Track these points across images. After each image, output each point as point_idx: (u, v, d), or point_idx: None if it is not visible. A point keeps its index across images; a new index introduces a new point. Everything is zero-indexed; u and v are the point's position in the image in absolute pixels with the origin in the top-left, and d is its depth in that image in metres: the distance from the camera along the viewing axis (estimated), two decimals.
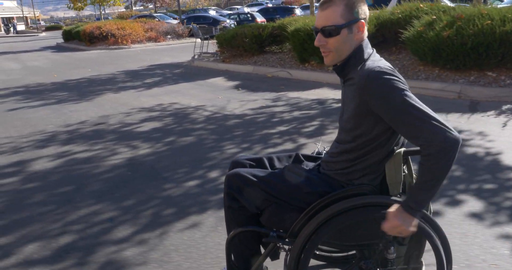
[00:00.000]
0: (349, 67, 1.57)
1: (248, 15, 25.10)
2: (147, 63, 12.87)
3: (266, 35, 9.90)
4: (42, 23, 69.51)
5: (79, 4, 23.80)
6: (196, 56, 12.36)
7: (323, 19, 1.54)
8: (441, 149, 1.35)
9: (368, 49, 1.59)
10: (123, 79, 9.84)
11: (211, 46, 13.40)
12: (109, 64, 13.20)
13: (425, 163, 1.39)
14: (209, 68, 10.77)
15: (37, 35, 43.54)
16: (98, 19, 65.81)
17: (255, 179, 1.69)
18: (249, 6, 45.82)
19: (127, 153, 4.34)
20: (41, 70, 12.70)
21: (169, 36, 21.47)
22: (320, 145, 2.19)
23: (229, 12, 32.42)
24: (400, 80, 1.45)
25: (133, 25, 20.93)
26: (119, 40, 19.68)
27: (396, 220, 1.43)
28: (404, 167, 1.63)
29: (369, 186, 1.59)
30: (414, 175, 1.65)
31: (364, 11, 1.57)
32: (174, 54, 15.05)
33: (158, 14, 29.31)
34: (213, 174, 3.63)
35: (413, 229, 1.44)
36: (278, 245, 1.71)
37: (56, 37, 35.02)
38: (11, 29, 42.97)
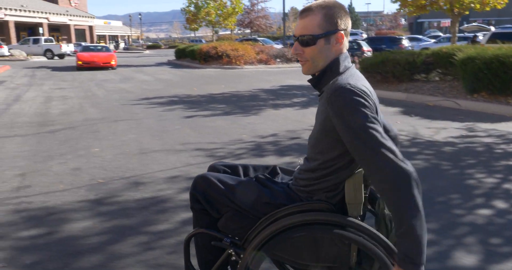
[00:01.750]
0: (325, 80, 1.52)
1: (354, 43, 24.91)
2: (275, 83, 12.98)
3: (420, 62, 9.50)
4: (141, 41, 74.84)
5: (195, 25, 25.08)
6: None
7: (301, 27, 1.51)
8: (393, 186, 1.28)
9: (346, 63, 1.52)
10: (268, 97, 9.91)
11: None
12: (236, 82, 13.51)
13: (386, 203, 1.32)
14: None
15: (142, 52, 46.86)
16: (193, 41, 69.38)
17: (219, 184, 1.68)
18: None
19: None
20: (175, 83, 13.31)
21: (278, 60, 21.85)
22: (301, 160, 2.19)
23: None
24: (368, 102, 1.36)
25: (245, 47, 21.60)
26: (233, 60, 20.34)
27: None
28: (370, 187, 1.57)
29: (327, 203, 1.52)
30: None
31: (345, 22, 1.51)
32: (294, 76, 15.11)
33: (261, 38, 30.09)
34: (486, 201, 3.25)
35: None
36: (230, 251, 1.65)
37: (160, 55, 37.40)
38: (120, 45, 46.46)
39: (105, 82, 13.59)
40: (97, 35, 57.19)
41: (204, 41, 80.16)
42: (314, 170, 1.54)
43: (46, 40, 32.60)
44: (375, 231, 1.45)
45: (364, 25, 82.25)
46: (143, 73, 17.61)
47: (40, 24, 41.69)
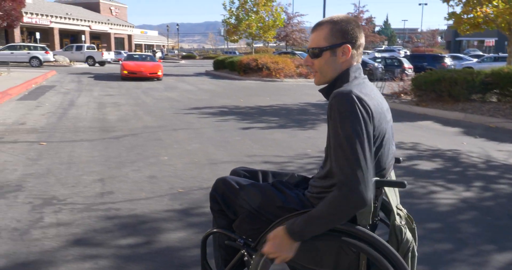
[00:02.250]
0: (334, 89, 1.51)
1: (395, 60, 24.58)
2: (319, 98, 12.82)
3: (478, 81, 9.21)
4: (176, 52, 76.35)
5: (235, 37, 25.35)
6: None
7: (311, 40, 1.60)
8: (346, 199, 1.35)
9: (356, 74, 1.57)
10: (318, 111, 9.81)
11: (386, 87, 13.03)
12: (281, 95, 13.47)
13: (328, 198, 1.40)
14: (400, 110, 10.32)
15: (178, 62, 47.73)
16: (227, 52, 70.09)
17: (237, 186, 1.76)
18: (379, 51, 45.39)
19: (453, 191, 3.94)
20: (219, 93, 13.39)
21: None
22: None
23: (376, 55, 32.17)
24: (362, 113, 1.39)
25: (285, 60, 21.62)
26: (273, 73, 20.37)
27: (272, 242, 1.49)
28: (382, 197, 1.61)
29: None
30: (395, 208, 1.59)
31: (353, 35, 1.56)
32: None
33: (299, 52, 30.14)
34: None
35: (288, 255, 1.48)
36: (243, 252, 1.71)
37: (196, 65, 37.97)
38: (157, 54, 47.55)
39: (150, 90, 13.81)
40: (134, 44, 58.71)
41: (237, 53, 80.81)
42: (325, 178, 1.58)
43: (88, 47, 33.65)
44: (382, 241, 1.45)
45: (399, 41, 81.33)
46: (185, 82, 17.84)
47: (83, 32, 43.18)
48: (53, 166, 4.51)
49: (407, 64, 24.17)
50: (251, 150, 5.52)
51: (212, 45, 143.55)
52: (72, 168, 4.44)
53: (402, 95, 12.22)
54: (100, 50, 38.79)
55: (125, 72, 18.00)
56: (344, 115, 1.38)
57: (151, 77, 18.31)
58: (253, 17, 23.84)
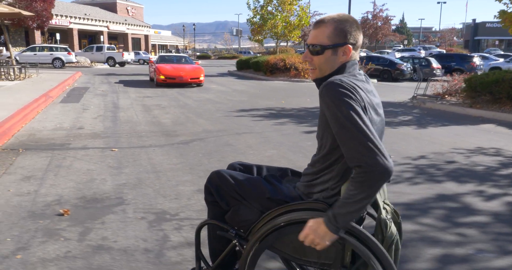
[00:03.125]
0: None
1: (423, 60, 24.13)
2: None
3: None
4: (189, 52, 76.37)
5: (259, 37, 25.05)
6: (415, 96, 11.77)
7: (313, 37, 1.61)
8: (371, 176, 1.36)
9: (351, 69, 1.59)
10: None
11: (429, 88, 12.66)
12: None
13: (353, 180, 1.41)
14: (452, 112, 9.97)
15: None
16: (240, 52, 69.77)
17: (230, 179, 1.81)
18: (399, 51, 44.80)
19: None
20: (255, 94, 13.12)
21: None
22: None
23: (396, 54, 31.70)
24: (354, 96, 1.44)
25: None
26: (301, 73, 20.07)
27: (310, 231, 1.49)
28: None
29: (324, 204, 1.57)
30: (382, 203, 1.63)
31: (355, 37, 1.59)
32: (385, 93, 14.54)
33: None
34: None
35: (327, 243, 1.48)
36: (234, 242, 1.78)
37: (214, 65, 37.74)
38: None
39: (185, 92, 13.60)
40: (151, 44, 58.75)
41: (252, 53, 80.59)
42: (315, 164, 1.63)
43: (108, 48, 33.62)
44: (368, 234, 1.50)
45: (415, 41, 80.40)
46: (214, 83, 17.60)
47: (101, 33, 43.24)
48: (141, 175, 4.28)
49: (435, 64, 23.73)
50: None
51: (223, 44, 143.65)
52: (162, 178, 4.21)
53: (446, 96, 11.86)
54: (118, 50, 38.82)
55: (162, 77, 14.89)
56: (337, 99, 1.42)
57: (192, 83, 15.43)
58: (279, 17, 23.50)
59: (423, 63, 24.06)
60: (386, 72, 22.51)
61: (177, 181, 4.10)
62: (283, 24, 23.94)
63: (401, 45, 55.58)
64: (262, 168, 2.01)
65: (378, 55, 27.04)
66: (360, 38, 1.62)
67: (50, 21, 19.12)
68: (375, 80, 21.24)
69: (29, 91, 11.26)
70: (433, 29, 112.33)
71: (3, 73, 14.76)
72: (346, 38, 1.56)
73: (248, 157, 5.13)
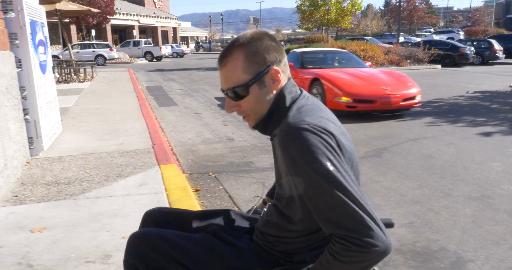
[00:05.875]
0: (273, 121, 1.23)
1: (484, 42, 22.81)
2: (456, 88, 11.52)
3: None
4: (213, 43, 75.40)
5: (309, 25, 24.02)
6: None
7: (226, 79, 1.22)
8: (363, 253, 1.00)
9: (293, 94, 1.24)
10: (495, 101, 8.52)
11: None
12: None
13: (336, 258, 1.03)
14: None
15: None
16: None
17: (165, 245, 1.28)
18: (437, 33, 43.15)
19: None
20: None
21: (408, 61, 20.29)
22: (258, 202, 1.66)
23: (434, 37, 30.22)
24: (330, 142, 1.09)
25: (372, 47, 20.26)
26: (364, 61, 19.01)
27: None
28: None
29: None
30: None
31: (275, 53, 1.21)
32: (470, 80, 13.54)
33: (368, 37, 28.61)
34: None
35: None
36: None
37: None
38: (205, 46, 46.74)
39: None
40: (180, 36, 57.94)
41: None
42: (289, 228, 1.25)
43: (145, 43, 32.94)
44: None
45: (441, 22, 77.82)
46: None
47: (132, 27, 42.65)
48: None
49: (497, 46, 22.47)
50: None
51: (237, 34, 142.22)
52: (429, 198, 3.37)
53: None
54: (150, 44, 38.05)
55: (345, 100, 7.17)
56: (308, 154, 1.06)
57: (402, 108, 7.60)
58: (332, 3, 22.40)
59: (482, 46, 22.80)
60: (448, 56, 21.29)
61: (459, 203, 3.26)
62: (335, 10, 22.82)
63: (431, 28, 53.51)
64: (192, 216, 1.49)
65: (438, 39, 25.75)
66: (282, 52, 1.23)
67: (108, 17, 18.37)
68: (439, 66, 20.09)
69: (118, 93, 10.56)
70: (455, 9, 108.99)
71: (67, 75, 14.07)
72: (265, 60, 1.20)
73: (489, 174, 4.26)
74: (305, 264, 1.26)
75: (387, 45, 23.58)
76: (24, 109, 4.49)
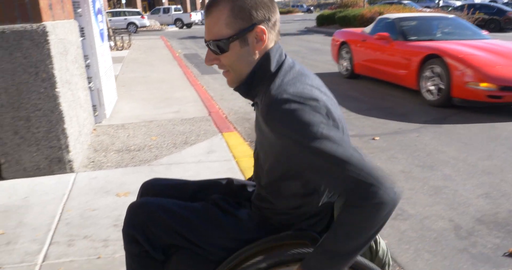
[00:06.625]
0: (255, 85, 1.17)
1: None
2: None
3: None
4: None
5: None
6: None
7: (208, 30, 1.15)
8: (377, 206, 0.99)
9: (277, 58, 1.16)
10: None
11: None
12: None
13: (352, 214, 1.02)
14: None
15: None
16: (293, 6, 66.51)
17: (164, 215, 1.26)
18: None
19: None
20: None
21: None
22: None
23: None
24: (317, 110, 1.04)
25: (413, 10, 19.45)
26: None
27: None
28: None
29: (310, 233, 1.23)
30: None
31: (265, 11, 1.12)
32: None
33: (406, 1, 27.39)
34: None
35: None
36: None
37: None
38: None
39: (309, 54, 12.49)
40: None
41: (304, 6, 76.70)
42: (278, 202, 1.24)
43: (175, 9, 32.67)
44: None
45: None
46: (301, 41, 16.33)
47: None
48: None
49: None
50: None
51: None
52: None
53: None
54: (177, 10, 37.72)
55: (486, 86, 5.05)
56: (295, 124, 1.02)
57: None
58: None
59: None
60: (493, 21, 20.21)
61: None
62: None
63: None
64: (191, 185, 1.47)
65: (482, 2, 24.41)
66: (274, 9, 1.14)
67: None
68: (486, 32, 19.13)
69: (159, 61, 10.62)
70: None
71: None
72: (251, 17, 1.10)
73: None
74: (304, 232, 1.25)
75: (428, 10, 22.52)
76: (88, 78, 4.58)
